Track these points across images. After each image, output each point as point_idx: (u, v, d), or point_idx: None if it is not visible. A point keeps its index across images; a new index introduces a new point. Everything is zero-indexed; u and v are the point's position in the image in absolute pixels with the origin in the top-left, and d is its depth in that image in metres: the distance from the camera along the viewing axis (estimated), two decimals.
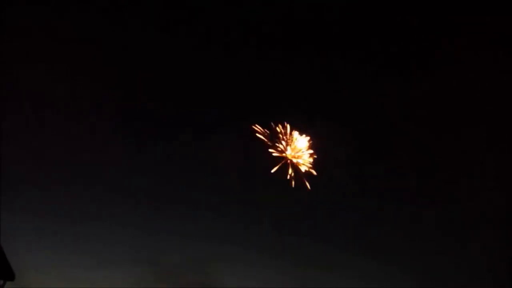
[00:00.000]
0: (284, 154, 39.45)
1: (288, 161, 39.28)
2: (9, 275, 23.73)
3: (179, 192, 36.55)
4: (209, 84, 35.21)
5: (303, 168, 38.82)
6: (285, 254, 36.75)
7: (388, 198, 38.64)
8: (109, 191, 35.58)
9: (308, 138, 39.45)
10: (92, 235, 35.30)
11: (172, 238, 35.87)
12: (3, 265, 23.42)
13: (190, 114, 36.07)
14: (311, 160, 39.32)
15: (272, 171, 37.10)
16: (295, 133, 39.42)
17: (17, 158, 34.18)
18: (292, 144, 39.45)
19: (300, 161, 39.42)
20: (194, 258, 35.95)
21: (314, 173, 38.98)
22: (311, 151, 39.48)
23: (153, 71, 33.51)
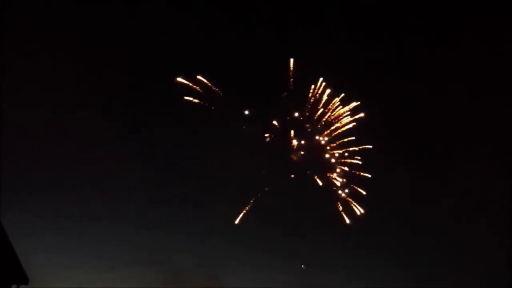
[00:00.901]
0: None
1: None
2: (23, 280, 23.78)
3: (190, 194, 36.51)
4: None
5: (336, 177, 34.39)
6: (294, 256, 36.65)
7: (391, 199, 38.66)
8: (121, 194, 35.57)
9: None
10: (103, 237, 35.29)
11: (183, 240, 35.83)
12: (17, 270, 23.46)
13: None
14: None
15: (236, 221, 34.48)
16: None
17: (28, 161, 34.22)
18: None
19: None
20: (204, 260, 35.93)
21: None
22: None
23: (158, 62, 33.32)
